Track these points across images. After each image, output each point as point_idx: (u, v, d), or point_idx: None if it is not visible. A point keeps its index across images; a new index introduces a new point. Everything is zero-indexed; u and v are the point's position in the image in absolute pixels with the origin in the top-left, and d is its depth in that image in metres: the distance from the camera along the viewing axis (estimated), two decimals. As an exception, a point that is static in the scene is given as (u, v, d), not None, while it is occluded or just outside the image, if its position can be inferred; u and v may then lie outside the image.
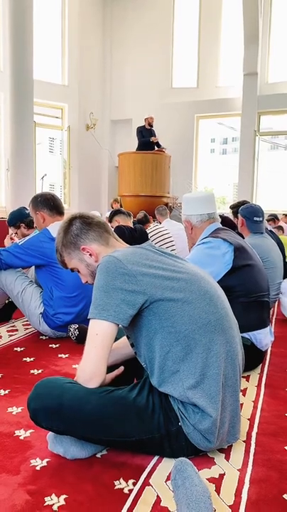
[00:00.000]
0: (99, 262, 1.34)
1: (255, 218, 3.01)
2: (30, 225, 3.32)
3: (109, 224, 1.53)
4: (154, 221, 5.58)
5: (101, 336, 1.23)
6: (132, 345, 1.37)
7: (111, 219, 4.32)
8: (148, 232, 4.68)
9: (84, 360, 1.26)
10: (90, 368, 1.24)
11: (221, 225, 2.17)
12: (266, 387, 1.88)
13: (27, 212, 3.34)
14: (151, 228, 4.88)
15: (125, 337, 1.48)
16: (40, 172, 8.44)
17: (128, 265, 1.25)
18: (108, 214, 8.03)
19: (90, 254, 1.43)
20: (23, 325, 2.82)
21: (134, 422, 1.22)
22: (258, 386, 1.90)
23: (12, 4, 6.71)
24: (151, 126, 8.86)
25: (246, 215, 3.05)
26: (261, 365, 2.13)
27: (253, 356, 2.00)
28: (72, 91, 10.11)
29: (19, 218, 3.36)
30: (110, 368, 1.37)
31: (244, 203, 3.47)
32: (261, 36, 9.29)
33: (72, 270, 1.49)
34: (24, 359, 2.17)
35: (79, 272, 1.48)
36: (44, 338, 2.55)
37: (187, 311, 1.24)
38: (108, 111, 10.86)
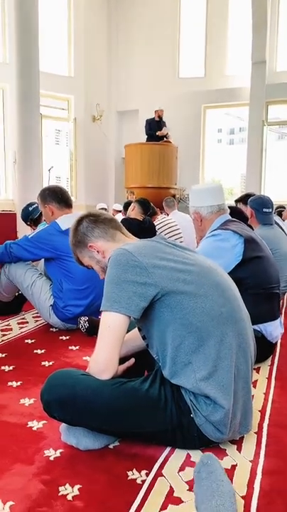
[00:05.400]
0: (106, 259, 1.35)
1: (264, 210, 2.99)
2: (35, 223, 3.33)
3: (117, 220, 1.55)
4: (162, 213, 5.55)
5: (114, 328, 1.23)
6: (143, 337, 1.38)
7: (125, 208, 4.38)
8: (155, 224, 4.66)
9: (96, 352, 1.26)
10: (103, 360, 1.25)
11: (230, 217, 2.16)
12: (277, 379, 1.88)
13: (30, 209, 3.36)
14: (159, 220, 4.86)
15: (136, 329, 1.49)
16: (47, 164, 8.43)
17: (140, 257, 1.25)
18: (115, 206, 8.04)
19: (98, 251, 1.45)
20: (33, 317, 2.84)
21: (147, 414, 1.23)
22: (269, 378, 1.90)
23: (17, -5, 6.66)
24: (161, 118, 8.80)
25: (256, 206, 3.03)
26: (271, 357, 2.13)
27: (264, 348, 2.00)
28: (78, 82, 10.05)
29: (25, 217, 3.38)
30: (121, 360, 1.38)
31: (249, 195, 3.45)
32: (270, 24, 9.14)
33: (88, 268, 1.53)
34: (35, 351, 2.19)
35: (93, 268, 1.51)
36: (54, 330, 2.57)
37: (199, 303, 1.24)
38: (114, 102, 10.78)
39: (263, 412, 1.58)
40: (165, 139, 8.82)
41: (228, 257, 1.92)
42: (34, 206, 3.35)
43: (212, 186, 2.18)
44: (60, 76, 9.79)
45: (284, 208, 7.56)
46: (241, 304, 1.36)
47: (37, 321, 2.76)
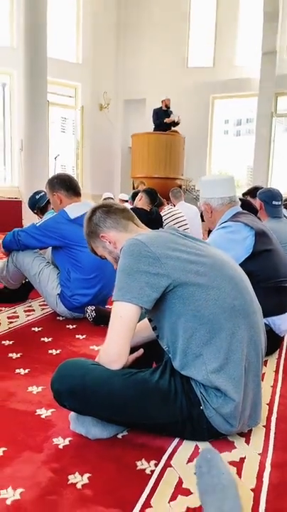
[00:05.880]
0: (118, 249, 1.35)
1: (274, 202, 2.95)
2: (42, 211, 3.32)
3: (130, 210, 1.54)
4: (168, 204, 5.52)
5: (125, 318, 1.23)
6: (154, 328, 1.37)
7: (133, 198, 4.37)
8: (162, 215, 4.64)
9: (107, 342, 1.26)
10: (113, 350, 1.24)
11: (241, 209, 2.14)
12: (284, 373, 1.88)
13: (37, 197, 3.34)
14: (166, 211, 4.84)
15: (145, 319, 1.48)
16: (53, 152, 8.39)
17: (152, 248, 1.24)
18: (121, 196, 8.01)
19: (109, 242, 1.45)
20: (40, 305, 2.84)
21: (157, 405, 1.23)
22: (276, 371, 1.90)
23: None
24: (168, 107, 8.72)
25: (265, 199, 2.99)
26: (278, 351, 2.12)
27: (272, 342, 1.98)
28: (86, 70, 9.95)
29: (32, 206, 3.37)
30: (130, 351, 1.37)
31: (257, 188, 3.41)
32: (282, 14, 8.98)
33: (102, 258, 1.53)
34: (42, 339, 2.19)
35: (106, 259, 1.51)
36: (61, 318, 2.57)
37: (211, 295, 1.23)
38: (121, 91, 10.68)
39: (271, 405, 1.57)
40: (172, 128, 8.74)
41: (239, 249, 1.90)
42: (41, 194, 3.33)
43: (224, 178, 2.15)
44: (68, 62, 9.69)
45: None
46: (253, 297, 1.35)
47: (43, 309, 2.76)
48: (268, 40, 8.94)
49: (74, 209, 2.45)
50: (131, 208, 4.14)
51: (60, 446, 1.27)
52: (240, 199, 2.28)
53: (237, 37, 9.92)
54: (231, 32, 9.87)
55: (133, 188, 8.08)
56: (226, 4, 9.78)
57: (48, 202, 3.20)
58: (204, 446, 1.28)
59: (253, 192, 3.82)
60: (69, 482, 1.12)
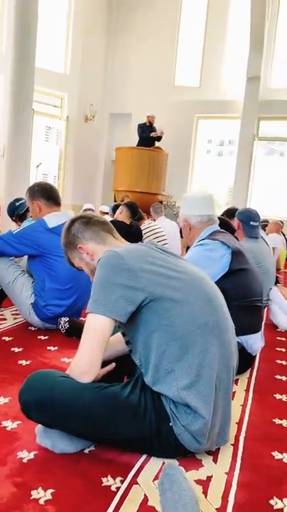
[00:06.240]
0: (95, 261, 1.35)
1: (251, 223, 3.02)
2: (21, 219, 3.28)
3: (109, 223, 1.55)
4: (148, 218, 5.55)
5: (98, 330, 1.22)
6: (127, 342, 1.36)
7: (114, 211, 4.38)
8: (142, 229, 4.66)
9: (78, 354, 1.24)
10: (85, 363, 1.23)
11: (219, 228, 2.17)
12: (255, 392, 1.89)
13: (16, 204, 3.31)
14: (146, 225, 4.86)
15: (118, 333, 1.47)
16: (35, 161, 8.35)
17: (130, 261, 1.24)
18: (102, 208, 8.01)
19: (87, 254, 1.44)
20: (12, 314, 2.78)
21: (126, 420, 1.21)
22: (247, 390, 1.91)
23: (18, -12, 6.60)
24: (151, 124, 8.83)
25: (243, 219, 3.05)
26: (249, 370, 2.14)
27: (243, 360, 2.00)
28: (73, 81, 10.01)
29: (11, 212, 3.33)
30: (102, 364, 1.36)
31: (234, 209, 3.47)
32: (267, 41, 9.31)
33: (79, 269, 1.52)
34: (12, 349, 2.14)
35: (83, 270, 1.50)
36: (33, 329, 2.52)
37: (186, 310, 1.24)
38: (108, 104, 10.78)
39: (240, 424, 1.58)
40: (156, 143, 8.85)
41: (215, 267, 1.92)
42: (21, 202, 3.30)
43: (204, 195, 2.19)
44: (56, 73, 9.74)
45: (268, 222, 7.66)
46: (227, 315, 1.37)
47: (16, 318, 2.70)
48: (253, 65, 9.24)
49: (53, 218, 2.43)
50: (111, 221, 4.15)
51: (25, 460, 1.23)
52: (218, 218, 2.32)
53: (223, 60, 10.19)
54: (217, 54, 10.13)
55: (115, 201, 8.10)
56: (214, 27, 10.06)
57: (27, 209, 3.17)
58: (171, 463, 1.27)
59: (229, 213, 3.90)
60: (32, 497, 1.09)
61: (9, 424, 1.42)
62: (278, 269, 5.55)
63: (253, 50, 9.17)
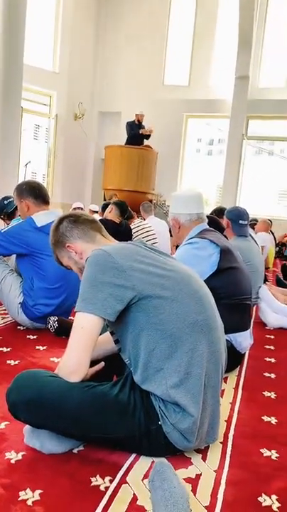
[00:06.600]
0: (83, 260, 1.34)
1: (240, 221, 3.03)
2: (9, 217, 3.26)
3: (98, 222, 1.54)
4: (138, 217, 5.55)
5: (87, 329, 1.21)
6: (116, 341, 1.36)
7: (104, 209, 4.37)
8: (132, 227, 4.66)
9: (67, 353, 1.24)
10: (73, 362, 1.22)
11: (208, 226, 2.18)
12: (244, 390, 1.90)
13: (5, 203, 3.29)
14: (135, 224, 4.86)
15: (107, 333, 1.47)
16: (24, 159, 8.29)
17: (118, 259, 1.24)
18: (92, 207, 7.98)
19: (75, 252, 1.43)
20: (0, 314, 2.76)
21: (115, 419, 1.21)
22: (236, 388, 1.91)
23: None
24: (140, 123, 8.82)
25: (232, 217, 3.07)
26: (238, 368, 2.15)
27: (232, 358, 2.01)
28: (62, 79, 9.96)
29: (0, 211, 3.31)
30: (91, 364, 1.35)
31: (223, 208, 3.50)
32: (255, 41, 9.36)
33: (67, 268, 1.52)
34: (0, 349, 2.12)
35: (72, 269, 1.49)
36: (22, 328, 2.50)
37: (175, 309, 1.24)
38: (97, 102, 10.75)
39: (229, 422, 1.58)
40: (145, 141, 8.84)
41: (204, 265, 1.92)
42: (10, 200, 3.28)
43: (193, 194, 2.19)
44: (45, 70, 9.68)
45: (257, 221, 7.72)
46: (216, 313, 1.37)
47: (4, 317, 2.68)
48: (242, 65, 9.29)
49: (42, 217, 2.41)
50: (100, 219, 4.14)
51: (12, 461, 1.22)
52: (207, 216, 2.32)
53: (212, 59, 10.24)
54: (206, 54, 10.17)
55: (104, 199, 8.08)
56: (204, 26, 10.10)
57: (16, 208, 3.15)
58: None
59: (218, 211, 3.92)
60: (20, 498, 1.07)
61: (-3, 425, 1.40)
62: (266, 268, 5.59)
63: (242, 49, 9.22)
